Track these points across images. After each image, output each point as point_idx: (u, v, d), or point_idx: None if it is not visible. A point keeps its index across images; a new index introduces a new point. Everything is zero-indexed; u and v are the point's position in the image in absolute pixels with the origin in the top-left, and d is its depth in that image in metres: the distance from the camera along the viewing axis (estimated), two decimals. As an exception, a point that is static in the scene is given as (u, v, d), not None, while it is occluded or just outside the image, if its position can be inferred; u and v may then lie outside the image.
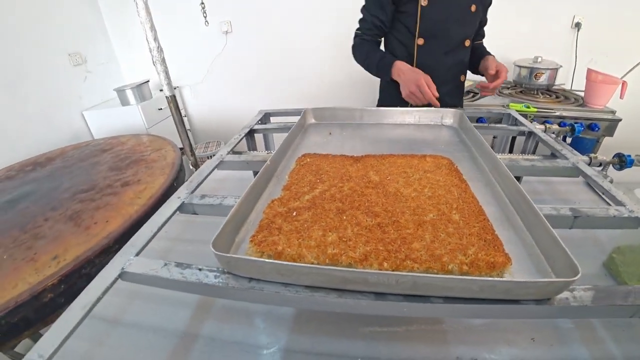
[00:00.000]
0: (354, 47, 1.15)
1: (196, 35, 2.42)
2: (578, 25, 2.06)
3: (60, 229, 0.86)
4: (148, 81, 2.37)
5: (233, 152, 0.82)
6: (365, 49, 1.11)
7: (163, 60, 1.12)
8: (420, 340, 0.48)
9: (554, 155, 0.77)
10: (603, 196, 0.72)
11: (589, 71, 1.70)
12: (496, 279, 0.31)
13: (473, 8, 1.07)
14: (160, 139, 1.52)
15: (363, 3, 1.11)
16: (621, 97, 1.59)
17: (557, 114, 1.67)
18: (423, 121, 0.90)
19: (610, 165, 0.74)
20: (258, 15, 2.39)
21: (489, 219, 0.43)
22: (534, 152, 0.95)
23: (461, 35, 1.10)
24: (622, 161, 0.72)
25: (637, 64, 1.60)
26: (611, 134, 1.67)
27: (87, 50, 2.35)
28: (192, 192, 0.62)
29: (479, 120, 1.21)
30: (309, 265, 0.34)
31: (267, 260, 0.37)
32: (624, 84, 1.58)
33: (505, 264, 0.35)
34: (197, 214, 0.61)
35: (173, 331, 0.50)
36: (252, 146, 1.02)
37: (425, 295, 0.33)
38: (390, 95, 1.16)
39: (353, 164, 0.60)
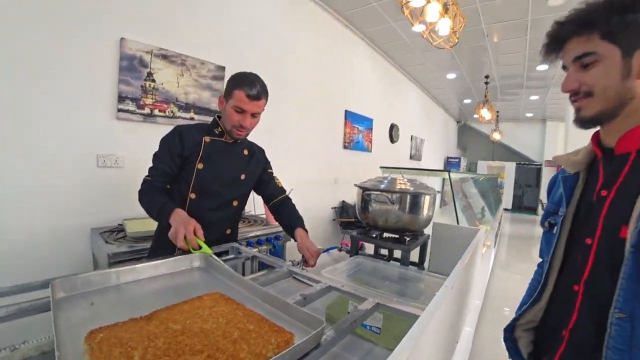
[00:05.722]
0: (141, 191, 1.26)
1: None
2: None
3: None
4: None
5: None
6: (153, 192, 1.25)
7: None
8: None
9: (272, 267, 1.16)
10: (309, 282, 1.14)
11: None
12: (295, 345, 0.56)
13: (243, 176, 1.42)
14: None
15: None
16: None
17: (253, 234, 2.29)
18: (176, 269, 1.05)
19: (303, 262, 1.23)
20: None
21: (268, 319, 0.68)
22: (258, 270, 1.32)
23: (230, 196, 1.40)
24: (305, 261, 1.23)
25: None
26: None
27: None
28: None
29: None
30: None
31: None
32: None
33: (292, 337, 0.61)
34: None
35: None
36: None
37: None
38: (165, 242, 1.23)
39: (148, 322, 0.66)
